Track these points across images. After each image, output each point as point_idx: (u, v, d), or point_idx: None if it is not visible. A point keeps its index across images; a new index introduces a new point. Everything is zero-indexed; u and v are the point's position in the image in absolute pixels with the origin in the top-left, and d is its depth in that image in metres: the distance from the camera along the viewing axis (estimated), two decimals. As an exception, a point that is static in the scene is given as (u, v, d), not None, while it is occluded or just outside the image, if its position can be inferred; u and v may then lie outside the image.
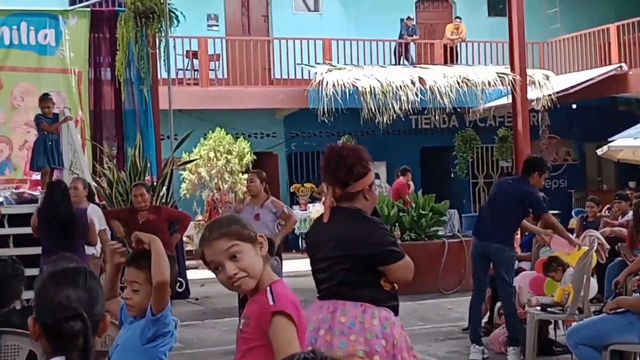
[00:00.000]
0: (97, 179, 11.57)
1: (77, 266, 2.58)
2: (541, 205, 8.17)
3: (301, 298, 10.69)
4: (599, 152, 17.19)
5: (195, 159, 17.30)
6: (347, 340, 4.04)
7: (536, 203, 8.15)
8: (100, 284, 2.58)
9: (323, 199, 18.31)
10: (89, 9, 14.16)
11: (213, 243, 2.99)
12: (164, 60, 12.85)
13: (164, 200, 11.38)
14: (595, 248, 8.18)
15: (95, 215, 9.22)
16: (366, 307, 4.11)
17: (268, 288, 3.00)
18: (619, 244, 10.33)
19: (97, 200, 10.52)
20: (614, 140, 16.14)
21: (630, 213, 10.80)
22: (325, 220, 4.22)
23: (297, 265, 17.03)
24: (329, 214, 4.22)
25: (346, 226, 4.19)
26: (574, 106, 22.23)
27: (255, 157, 18.59)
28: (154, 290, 3.42)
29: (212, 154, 18.08)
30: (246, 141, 18.88)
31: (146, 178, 11.48)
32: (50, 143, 11.20)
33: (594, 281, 7.94)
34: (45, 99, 11.35)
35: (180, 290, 11.69)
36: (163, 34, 12.91)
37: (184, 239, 12.98)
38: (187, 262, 13.49)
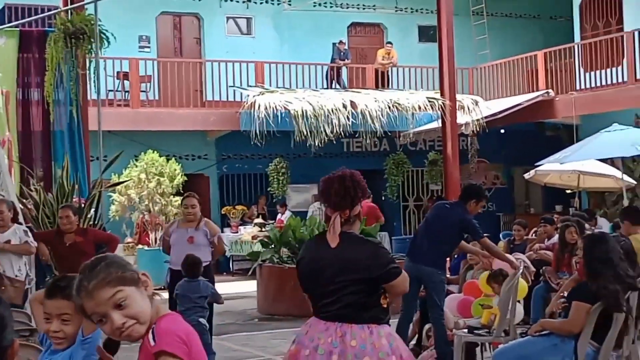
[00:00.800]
0: (24, 200, 11.37)
1: None
2: (478, 231, 8.34)
3: (231, 320, 10.58)
4: (527, 176, 17.49)
5: (125, 181, 17.12)
6: None
7: (472, 229, 8.32)
8: (9, 309, 2.46)
9: (279, 216, 17.95)
10: (17, 29, 13.94)
11: (94, 294, 2.66)
12: (94, 81, 12.70)
13: (91, 222, 11.23)
14: (521, 271, 8.31)
15: (14, 236, 9.08)
16: (372, 328, 4.35)
17: (151, 329, 2.70)
18: (544, 267, 10.50)
19: (22, 221, 10.35)
20: (541, 165, 16.44)
21: (556, 236, 11.00)
22: (334, 245, 4.41)
23: (229, 288, 16.96)
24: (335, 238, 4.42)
25: (351, 250, 4.43)
26: (502, 131, 22.60)
27: (186, 179, 18.48)
28: None
29: (143, 176, 17.92)
30: (177, 163, 18.77)
31: (74, 200, 11.32)
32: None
33: (519, 304, 8.04)
34: None
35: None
36: (93, 55, 12.78)
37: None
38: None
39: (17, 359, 2.54)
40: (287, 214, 19.79)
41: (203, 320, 8.52)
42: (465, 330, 7.85)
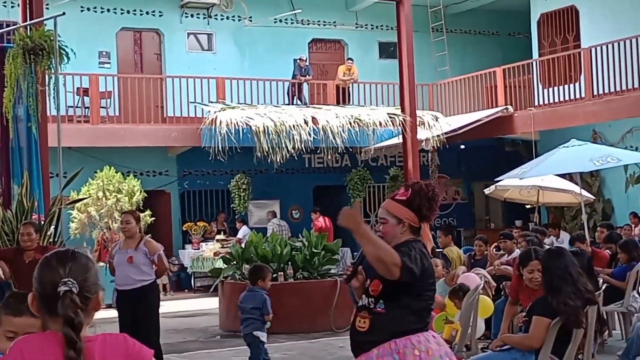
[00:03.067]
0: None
1: None
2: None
3: (193, 338, 10.59)
4: (487, 191, 17.64)
5: (84, 198, 16.98)
6: None
7: None
8: None
9: (215, 236, 17.90)
10: (-25, 45, 13.82)
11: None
12: (54, 97, 12.59)
13: (52, 239, 11.12)
14: (482, 286, 8.37)
15: None
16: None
17: None
18: (504, 282, 10.59)
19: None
20: (500, 180, 16.58)
21: (516, 251, 11.10)
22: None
23: (190, 305, 16.89)
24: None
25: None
26: (462, 147, 22.80)
27: (146, 196, 18.37)
28: None
29: (100, 193, 17.79)
30: (136, 179, 18.66)
31: (34, 217, 11.21)
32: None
33: (480, 319, 8.10)
34: None
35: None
36: (53, 71, 12.68)
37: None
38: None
39: None
40: (244, 230, 19.79)
41: (257, 333, 8.52)
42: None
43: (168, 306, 14.65)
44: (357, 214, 4.24)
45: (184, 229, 20.59)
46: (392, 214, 4.44)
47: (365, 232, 4.15)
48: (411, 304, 4.30)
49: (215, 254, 18.27)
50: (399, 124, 18.56)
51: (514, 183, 16.18)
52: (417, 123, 18.10)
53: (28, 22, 13.27)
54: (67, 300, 2.60)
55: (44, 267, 2.72)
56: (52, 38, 12.31)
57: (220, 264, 15.73)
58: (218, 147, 18.45)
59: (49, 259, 2.73)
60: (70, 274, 2.65)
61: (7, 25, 15.60)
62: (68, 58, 12.80)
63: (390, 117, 19.93)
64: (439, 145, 20.55)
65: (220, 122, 18.90)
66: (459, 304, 8.06)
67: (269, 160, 18.93)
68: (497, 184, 16.83)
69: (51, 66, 12.63)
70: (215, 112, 19.32)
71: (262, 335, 8.71)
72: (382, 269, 4.14)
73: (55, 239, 11.20)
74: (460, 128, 20.78)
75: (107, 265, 9.57)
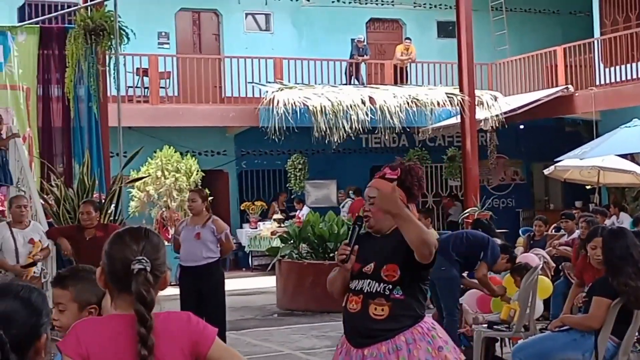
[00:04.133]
0: (45, 196, 11.44)
1: (17, 283, 2.64)
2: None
3: (251, 316, 10.65)
4: (546, 172, 17.44)
5: (144, 177, 17.18)
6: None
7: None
8: (45, 301, 2.62)
9: (273, 216, 17.95)
10: (38, 26, 14.03)
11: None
12: (114, 78, 12.75)
13: (112, 218, 11.28)
14: (541, 266, 8.30)
15: (35, 233, 9.26)
16: None
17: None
18: (564, 263, 10.49)
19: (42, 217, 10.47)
20: (560, 161, 16.38)
21: (576, 232, 10.97)
22: None
23: (248, 283, 17.04)
24: None
25: None
26: (522, 127, 22.54)
27: (204, 175, 18.53)
28: None
29: (159, 173, 17.99)
30: (194, 159, 18.82)
31: (94, 195, 11.38)
32: (3, 158, 11.31)
33: (539, 299, 8.03)
34: None
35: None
36: (113, 52, 12.83)
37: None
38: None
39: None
40: (305, 210, 19.80)
41: None
42: (485, 325, 7.85)
43: (226, 284, 14.77)
44: (397, 196, 4.08)
45: (242, 208, 20.73)
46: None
47: (407, 215, 4.01)
48: (422, 290, 4.20)
49: (273, 233, 18.37)
50: (457, 104, 18.43)
51: (574, 163, 15.99)
52: (476, 103, 17.98)
53: (89, 3, 13.45)
54: (142, 279, 2.62)
55: (116, 243, 2.73)
56: (112, 19, 12.45)
57: (277, 243, 15.82)
58: (275, 127, 18.51)
59: (122, 236, 2.75)
60: (144, 252, 2.68)
61: (69, 6, 15.81)
62: (128, 38, 12.95)
63: (448, 97, 19.78)
64: (497, 125, 20.34)
65: (278, 102, 18.95)
66: (519, 283, 7.99)
67: (326, 141, 18.95)
68: (556, 164, 16.63)
69: (111, 47, 12.78)
70: (272, 92, 19.38)
71: None
72: (426, 252, 3.99)
73: (116, 218, 11.37)
74: (519, 108, 20.53)
75: (172, 243, 9.64)
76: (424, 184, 4.39)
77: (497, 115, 20.24)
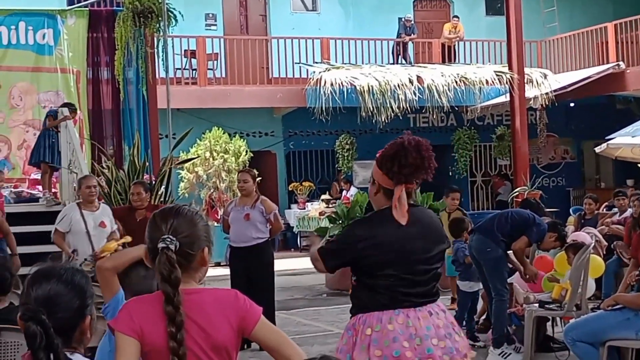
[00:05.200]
0: (96, 177, 11.58)
1: (61, 265, 2.65)
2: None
3: (300, 295, 10.69)
4: (598, 149, 17.22)
5: (194, 158, 17.31)
6: (456, 338, 3.98)
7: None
8: (89, 282, 2.67)
9: (340, 194, 17.82)
10: (87, 9, 14.17)
11: None
12: (162, 60, 12.84)
13: (162, 199, 11.39)
14: (592, 245, 8.21)
15: (106, 217, 9.16)
16: (441, 304, 4.08)
17: None
18: (616, 242, 10.36)
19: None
20: (612, 139, 16.16)
21: (629, 211, 10.83)
22: (405, 222, 3.92)
23: (297, 263, 17.08)
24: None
25: (431, 223, 4.09)
26: (572, 104, 22.26)
27: (252, 156, 18.60)
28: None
29: (208, 154, 18.10)
30: (242, 140, 18.89)
31: (145, 177, 11.49)
32: (53, 140, 11.50)
33: (591, 278, 7.95)
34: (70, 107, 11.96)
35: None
36: (161, 34, 12.91)
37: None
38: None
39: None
40: (353, 190, 19.78)
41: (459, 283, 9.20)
42: (536, 305, 7.79)
43: (275, 265, 14.85)
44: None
45: (290, 189, 20.79)
46: (372, 173, 4.12)
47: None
48: (367, 282, 3.97)
49: (321, 213, 18.39)
50: (506, 82, 18.26)
51: (626, 141, 15.77)
52: (525, 81, 17.77)
53: (137, -14, 13.49)
54: (163, 258, 2.65)
55: (150, 223, 2.79)
56: (160, 1, 12.53)
57: (325, 223, 15.82)
58: (323, 107, 18.51)
59: (154, 216, 2.80)
60: (171, 230, 2.70)
61: (117, -11, 15.90)
62: (176, 20, 13.03)
63: (497, 75, 19.61)
64: (547, 103, 20.10)
65: (325, 82, 18.94)
66: (572, 260, 7.90)
67: (373, 120, 18.90)
68: (608, 142, 16.41)
69: (160, 29, 12.88)
70: (320, 72, 19.36)
71: (460, 285, 9.17)
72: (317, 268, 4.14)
73: (166, 199, 11.48)
74: (569, 85, 20.27)
75: (221, 223, 9.67)
76: (421, 162, 3.93)
77: (546, 93, 20.01)
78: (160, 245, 2.66)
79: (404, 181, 3.93)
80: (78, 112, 13.28)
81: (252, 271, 9.10)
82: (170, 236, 2.68)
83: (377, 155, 4.09)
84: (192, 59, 19.69)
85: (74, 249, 8.81)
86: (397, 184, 3.94)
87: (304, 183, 20.70)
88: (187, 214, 2.77)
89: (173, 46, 17.19)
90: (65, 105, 12.40)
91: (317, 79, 19.14)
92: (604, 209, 12.93)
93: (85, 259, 8.52)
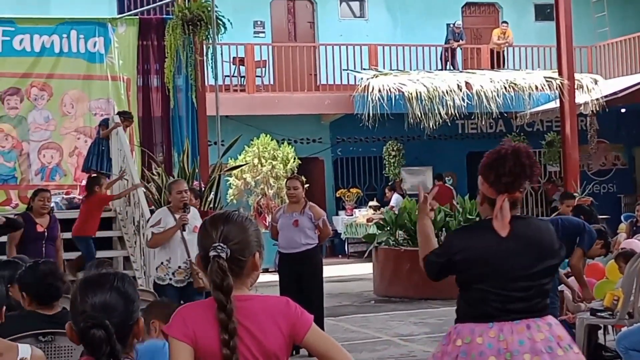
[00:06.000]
0: (146, 184, 11.70)
1: (108, 272, 2.68)
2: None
3: (348, 302, 10.65)
4: (649, 156, 16.98)
5: (243, 165, 17.39)
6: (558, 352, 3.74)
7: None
8: (134, 287, 2.70)
9: (397, 201, 17.66)
10: (137, 17, 14.34)
11: None
12: (212, 67, 12.94)
13: (211, 205, 11.47)
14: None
15: (197, 219, 8.93)
16: (549, 318, 3.86)
17: None
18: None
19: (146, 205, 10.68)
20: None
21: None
22: (505, 234, 3.81)
23: (344, 270, 17.09)
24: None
25: (538, 236, 3.90)
26: (623, 110, 21.97)
27: (300, 163, 18.65)
28: None
29: (256, 160, 18.18)
30: (290, 146, 18.96)
31: (194, 183, 11.58)
32: (103, 148, 11.67)
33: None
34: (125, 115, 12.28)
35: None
36: (210, 41, 13.02)
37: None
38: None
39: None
40: (395, 197, 19.65)
41: None
42: (588, 312, 7.70)
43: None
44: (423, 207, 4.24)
45: (338, 195, 20.79)
46: (478, 183, 4.08)
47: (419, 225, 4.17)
48: (463, 293, 3.92)
49: (368, 220, 18.37)
50: (556, 88, 18.10)
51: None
52: (575, 86, 17.60)
53: (186, -6, 13.62)
54: (215, 266, 2.66)
55: (201, 231, 2.80)
56: (209, 9, 12.64)
57: (373, 229, 15.81)
58: (370, 113, 18.49)
59: (205, 224, 2.81)
60: (221, 237, 2.70)
61: (166, -2, 16.05)
62: (225, 28, 13.13)
63: (547, 81, 19.43)
64: (598, 109, 19.86)
65: (373, 88, 18.92)
66: (624, 269, 7.79)
67: (421, 127, 18.84)
68: (660, 148, 16.18)
69: (209, 36, 12.98)
70: (367, 79, 19.35)
71: None
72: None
73: (215, 205, 11.55)
74: (620, 91, 20.01)
75: (270, 230, 9.69)
76: (520, 169, 3.85)
77: (597, 99, 19.77)
78: (212, 253, 2.67)
79: (504, 190, 3.84)
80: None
81: (302, 277, 9.11)
82: (222, 244, 2.69)
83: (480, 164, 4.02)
84: (241, 66, 19.81)
85: (169, 257, 8.25)
86: (499, 193, 3.85)
87: (351, 190, 20.70)
88: (237, 220, 2.77)
89: (222, 53, 17.30)
90: (120, 113, 12.58)
91: (364, 86, 19.13)
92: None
93: (180, 267, 8.22)
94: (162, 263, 8.27)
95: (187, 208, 8.34)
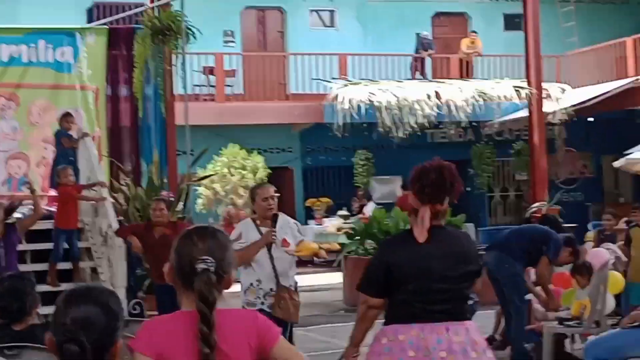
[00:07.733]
0: (114, 194, 11.63)
1: (97, 286, 2.65)
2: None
3: (318, 312, 10.58)
4: (617, 164, 17.14)
5: (212, 174, 17.33)
6: (472, 355, 4.09)
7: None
8: (119, 305, 2.63)
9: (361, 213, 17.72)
10: (106, 27, 14.26)
11: None
12: (181, 77, 12.91)
13: (180, 215, 11.42)
14: (613, 261, 8.16)
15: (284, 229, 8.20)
16: (467, 324, 4.19)
17: None
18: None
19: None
20: (631, 153, 16.07)
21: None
22: (423, 240, 4.16)
23: (314, 279, 17.05)
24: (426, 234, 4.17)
25: (456, 243, 4.27)
26: (591, 119, 22.16)
27: (270, 172, 18.62)
28: None
29: (225, 170, 18.13)
30: (260, 156, 18.93)
31: (163, 193, 11.53)
32: (71, 158, 11.53)
33: (610, 295, 7.90)
34: (67, 115, 11.63)
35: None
36: (180, 51, 12.98)
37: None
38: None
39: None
40: (370, 206, 19.69)
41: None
42: (555, 321, 7.74)
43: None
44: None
45: (307, 205, 20.78)
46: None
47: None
48: (390, 296, 4.29)
49: (339, 229, 18.38)
50: (525, 97, 18.22)
51: (645, 156, 15.68)
52: (543, 96, 17.72)
53: (156, 4, 13.61)
54: (205, 278, 2.67)
55: (184, 240, 2.77)
56: (179, 18, 12.61)
57: (343, 239, 15.81)
58: (340, 123, 18.51)
59: (190, 234, 2.79)
60: (209, 251, 2.71)
61: (136, 7, 16.00)
62: (195, 37, 13.10)
63: (515, 90, 19.57)
64: (566, 118, 20.03)
65: (343, 98, 18.95)
66: (581, 281, 7.87)
67: (391, 136, 18.88)
68: (627, 157, 16.32)
69: (178, 46, 12.93)
70: (337, 88, 19.38)
71: None
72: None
73: (183, 215, 11.50)
74: (588, 100, 20.19)
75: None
76: (441, 182, 4.28)
77: (565, 108, 19.95)
78: (201, 266, 2.68)
79: (427, 201, 4.19)
80: (96, 129, 13.32)
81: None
82: (210, 258, 2.70)
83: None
84: (210, 76, 19.77)
85: (258, 277, 7.00)
86: (422, 203, 4.20)
87: (321, 199, 20.69)
88: (221, 237, 2.80)
89: (191, 63, 17.25)
90: (64, 115, 12.31)
91: (334, 95, 19.16)
92: (624, 224, 12.84)
93: (272, 289, 6.97)
94: (251, 285, 7.00)
95: (276, 218, 7.00)
